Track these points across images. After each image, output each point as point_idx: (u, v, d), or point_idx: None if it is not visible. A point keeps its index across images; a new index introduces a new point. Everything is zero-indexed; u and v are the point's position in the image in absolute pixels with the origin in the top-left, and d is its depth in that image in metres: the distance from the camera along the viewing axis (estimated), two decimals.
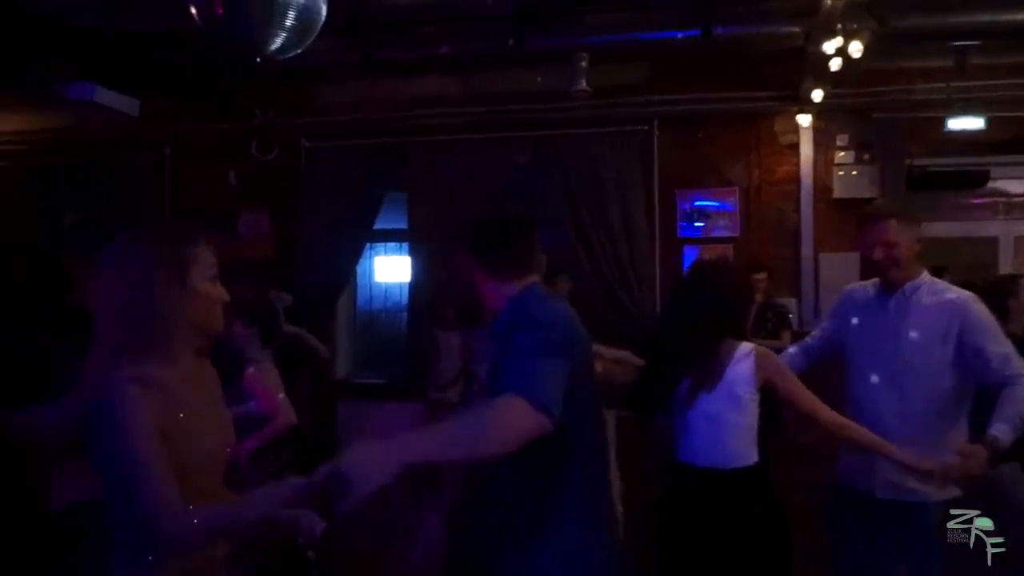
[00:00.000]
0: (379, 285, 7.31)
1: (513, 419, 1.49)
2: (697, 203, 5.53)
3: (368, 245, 6.37)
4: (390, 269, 7.20)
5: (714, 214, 5.51)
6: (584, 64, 4.66)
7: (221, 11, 2.49)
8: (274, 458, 3.10)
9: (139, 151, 6.34)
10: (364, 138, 5.93)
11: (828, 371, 2.80)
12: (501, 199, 5.66)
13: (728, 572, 2.33)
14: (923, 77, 5.00)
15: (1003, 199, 5.70)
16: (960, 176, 5.19)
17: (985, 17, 4.16)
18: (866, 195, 5.12)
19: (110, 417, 1.45)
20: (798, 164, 5.39)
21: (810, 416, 2.34)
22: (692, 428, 2.38)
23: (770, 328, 4.87)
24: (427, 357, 5.12)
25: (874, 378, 2.52)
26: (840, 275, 5.15)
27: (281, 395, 3.15)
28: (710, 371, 2.34)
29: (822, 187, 5.34)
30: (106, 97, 4.77)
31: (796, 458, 3.63)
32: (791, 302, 5.27)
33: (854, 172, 5.25)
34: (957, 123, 4.97)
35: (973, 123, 4.96)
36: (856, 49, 4.00)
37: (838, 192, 5.28)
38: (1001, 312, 2.85)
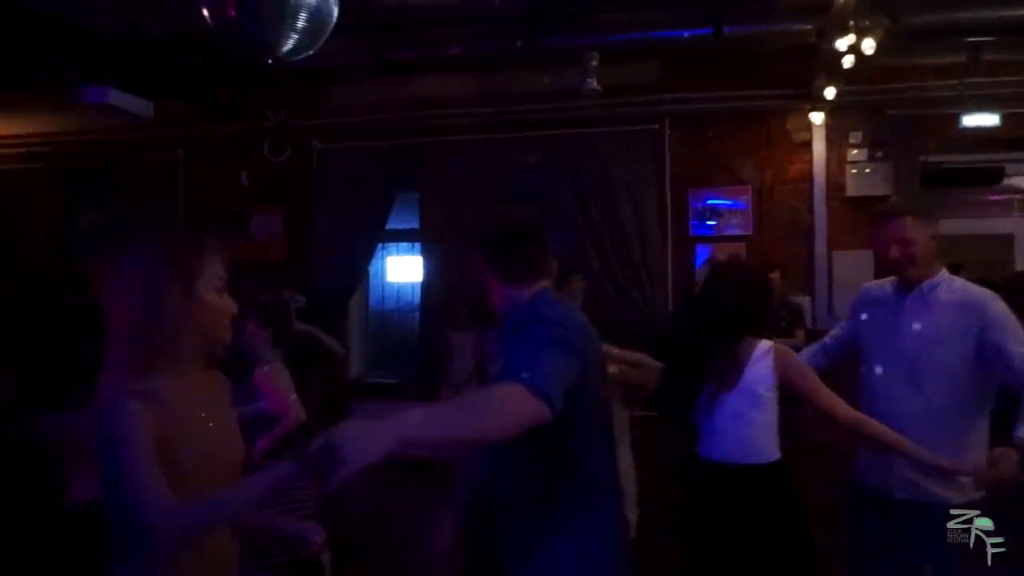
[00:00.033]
0: (391, 285, 7.33)
1: (511, 404, 1.48)
2: (709, 202, 5.52)
3: (380, 245, 6.39)
4: (402, 269, 7.22)
5: (726, 213, 5.49)
6: (595, 64, 4.66)
7: (233, 13, 2.51)
8: (286, 458, 3.11)
9: (153, 153, 6.40)
10: (375, 139, 5.95)
11: (845, 370, 2.79)
12: (512, 199, 5.67)
13: (749, 567, 2.34)
14: (936, 73, 4.96)
15: (1018, 196, 5.66)
16: (975, 173, 5.15)
17: (999, 12, 4.13)
18: (880, 193, 5.08)
19: (108, 429, 1.47)
20: (811, 162, 5.36)
21: (828, 413, 2.34)
22: (714, 425, 2.41)
23: (784, 327, 4.85)
24: (440, 357, 5.14)
25: (891, 377, 2.47)
26: (854, 273, 5.13)
27: (292, 396, 3.16)
28: (730, 370, 2.37)
29: (835, 185, 5.31)
30: (120, 100, 4.81)
31: (815, 455, 3.61)
32: (805, 300, 5.24)
33: (867, 170, 5.22)
34: (972, 120, 4.94)
35: (987, 119, 4.92)
36: (869, 46, 3.98)
37: (851, 190, 5.25)
38: (1020, 309, 2.80)
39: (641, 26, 4.62)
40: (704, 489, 2.47)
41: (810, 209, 5.36)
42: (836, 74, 4.51)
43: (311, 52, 2.73)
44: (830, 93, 4.75)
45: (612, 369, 3.59)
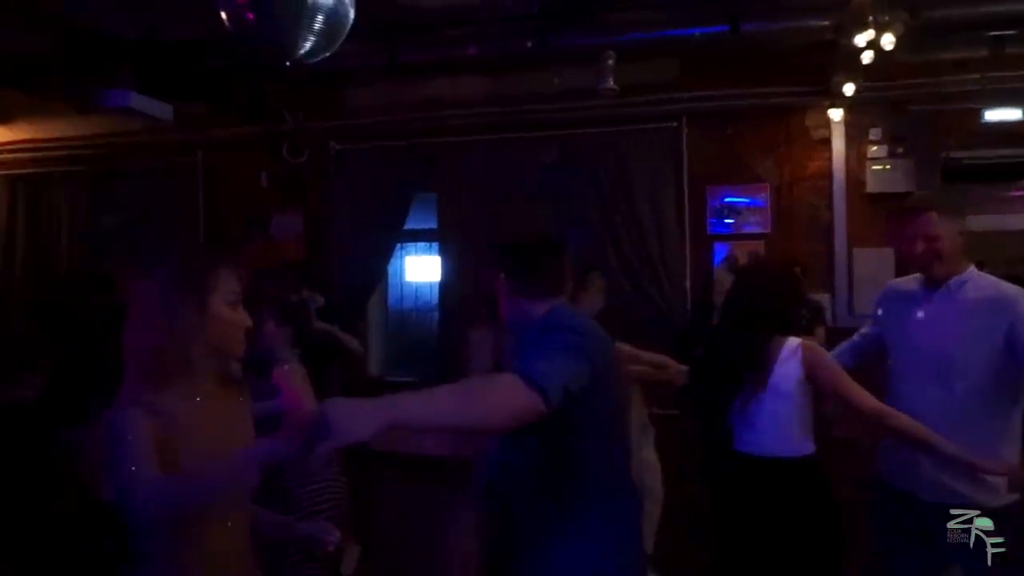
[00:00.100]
0: (410, 284, 7.36)
1: (504, 392, 1.48)
2: (727, 199, 5.49)
3: (398, 245, 6.42)
4: (421, 269, 7.25)
5: (744, 210, 5.46)
6: (611, 62, 4.65)
7: (251, 16, 2.53)
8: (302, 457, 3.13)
9: (173, 155, 6.47)
10: (393, 139, 5.98)
11: (871, 368, 2.76)
12: (530, 198, 5.68)
13: (781, 560, 2.36)
14: (957, 68, 4.89)
15: None
16: (997, 168, 5.08)
17: (1021, 5, 4.07)
18: (900, 189, 5.02)
19: (113, 434, 1.51)
20: (830, 159, 5.31)
21: (853, 405, 2.36)
22: (747, 422, 2.47)
23: (804, 324, 4.80)
24: (459, 355, 5.15)
25: (918, 376, 2.42)
26: (874, 270, 5.09)
27: (309, 394, 3.18)
28: (761, 368, 2.42)
29: (855, 182, 5.26)
30: (141, 103, 4.87)
31: (840, 452, 3.59)
32: (825, 298, 5.20)
33: (887, 166, 5.17)
34: (994, 114, 4.87)
35: (1010, 114, 4.85)
36: (888, 41, 3.94)
37: (871, 187, 5.20)
38: None
39: (657, 24, 4.61)
40: (738, 483, 2.52)
41: (829, 206, 5.31)
42: (855, 70, 4.47)
43: (328, 54, 2.75)
44: (849, 89, 4.71)
45: (635, 368, 3.63)
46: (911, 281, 2.57)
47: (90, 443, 2.82)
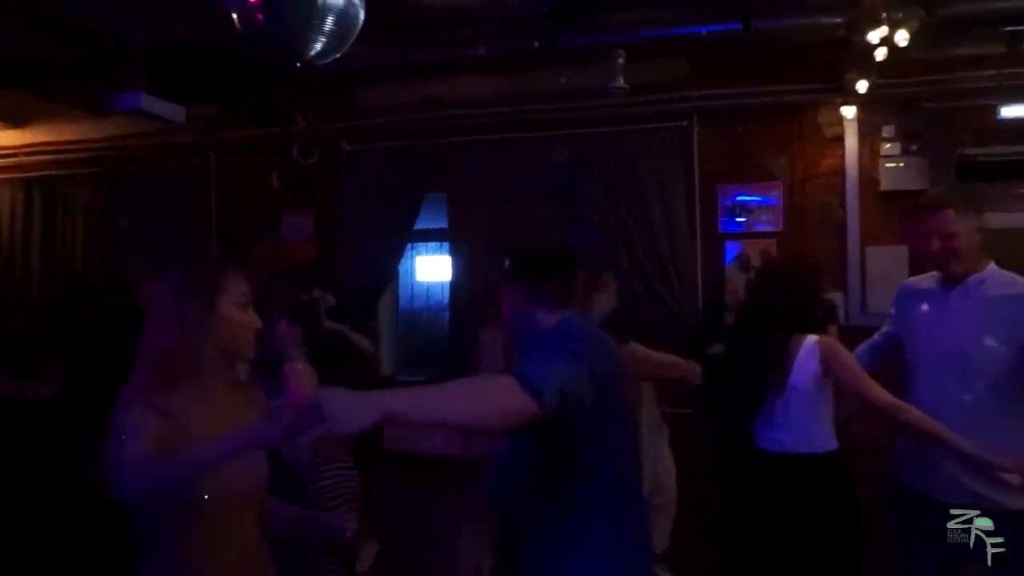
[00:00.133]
0: (421, 284, 7.37)
1: (499, 393, 1.48)
2: (738, 198, 5.46)
3: (409, 245, 6.43)
4: (431, 268, 7.26)
5: (756, 209, 5.43)
6: (621, 61, 4.64)
7: (261, 18, 2.54)
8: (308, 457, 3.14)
9: (185, 157, 6.50)
10: (403, 140, 5.99)
11: (888, 366, 2.73)
12: (540, 198, 5.68)
13: (803, 554, 2.39)
14: (972, 64, 4.84)
15: None
16: (1013, 165, 5.02)
17: None
18: (914, 187, 4.97)
19: (116, 429, 1.52)
20: (843, 156, 5.27)
21: (868, 401, 2.37)
22: (769, 419, 2.51)
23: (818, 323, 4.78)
24: (470, 355, 5.15)
25: (936, 375, 2.38)
26: (887, 269, 5.05)
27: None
28: (781, 366, 2.46)
29: (868, 179, 5.22)
30: (153, 105, 4.90)
31: (858, 451, 3.57)
32: (837, 296, 5.16)
33: (901, 164, 5.12)
34: (1010, 111, 4.82)
35: None
36: (902, 38, 3.90)
37: (885, 184, 5.16)
38: None
39: (667, 23, 4.59)
40: (761, 481, 2.55)
41: (842, 204, 5.27)
42: (868, 67, 4.43)
43: (338, 55, 2.76)
44: (862, 86, 4.67)
45: (649, 367, 3.64)
46: (927, 279, 2.53)
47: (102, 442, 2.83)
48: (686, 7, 4.54)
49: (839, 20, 4.27)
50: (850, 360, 2.48)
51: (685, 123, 5.46)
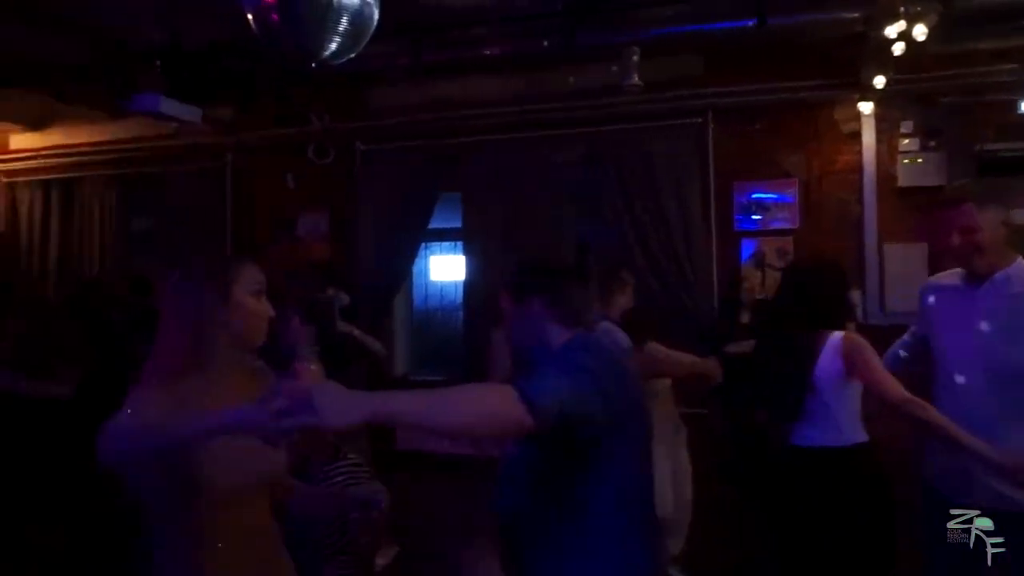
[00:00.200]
0: (435, 284, 7.39)
1: (494, 402, 1.46)
2: (754, 195, 5.42)
3: (423, 245, 6.44)
4: (445, 268, 7.28)
5: (772, 206, 5.39)
6: (636, 58, 4.62)
7: (277, 18, 2.55)
8: (323, 446, 3.15)
9: (202, 158, 6.55)
10: (417, 139, 6.00)
11: (924, 368, 2.71)
12: (555, 196, 5.67)
13: (836, 547, 2.42)
14: (992, 58, 4.77)
15: None
16: None
17: None
18: (933, 183, 4.93)
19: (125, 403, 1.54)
20: (860, 153, 5.22)
21: (882, 395, 2.37)
22: (797, 415, 2.55)
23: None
24: (483, 355, 5.15)
25: (960, 376, 2.32)
26: (906, 266, 5.00)
27: None
28: (810, 363, 2.50)
29: (886, 176, 5.17)
30: (170, 107, 4.93)
31: (882, 449, 3.55)
32: (855, 294, 5.11)
33: (919, 160, 5.07)
34: None
35: None
36: (921, 32, 3.86)
37: (903, 181, 5.10)
38: None
39: (682, 19, 4.57)
40: (794, 476, 2.58)
41: (860, 201, 5.22)
42: (886, 62, 4.38)
43: (353, 55, 2.76)
44: (880, 82, 4.62)
45: (669, 365, 3.66)
46: (952, 276, 2.46)
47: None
48: (701, 3, 4.51)
49: (856, 15, 4.23)
50: (870, 355, 2.46)
51: (700, 120, 5.43)
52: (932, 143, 5.07)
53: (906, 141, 5.13)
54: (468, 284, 6.05)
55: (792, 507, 2.57)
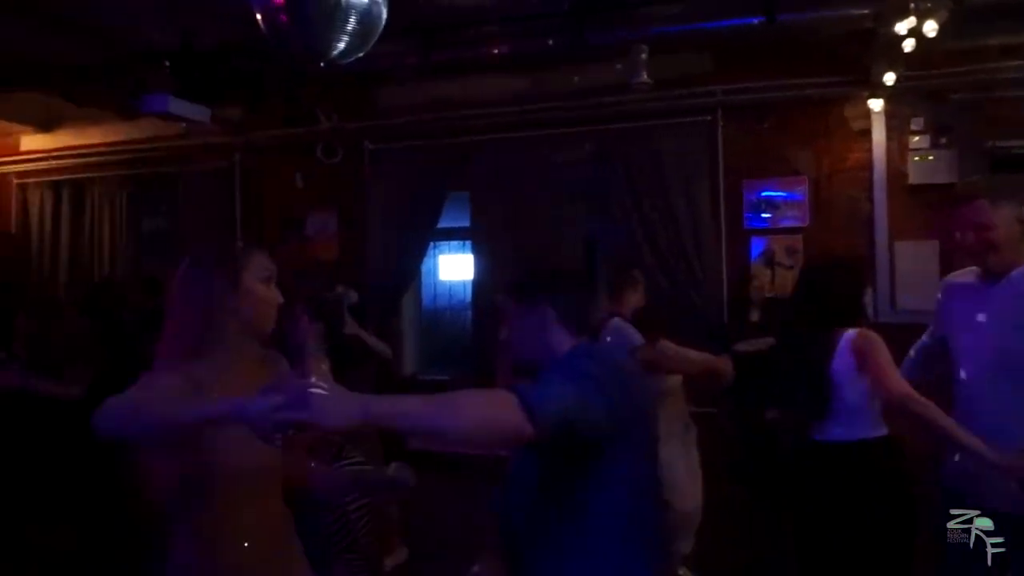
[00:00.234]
0: (443, 283, 7.40)
1: (492, 409, 1.42)
2: (764, 193, 5.40)
3: (432, 244, 6.44)
4: (454, 267, 7.28)
5: (782, 204, 5.37)
6: (644, 56, 4.61)
7: (285, 18, 2.55)
8: (326, 446, 3.16)
9: (211, 158, 6.57)
10: (426, 139, 6.00)
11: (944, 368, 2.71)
12: (563, 195, 5.66)
13: (859, 541, 2.44)
14: (1003, 54, 4.74)
15: None
16: None
17: None
18: (944, 180, 4.89)
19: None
20: (870, 150, 5.19)
21: (884, 389, 2.39)
22: (818, 410, 2.58)
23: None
24: (492, 354, 5.15)
25: (977, 376, 2.27)
26: (917, 264, 4.97)
27: None
28: (828, 360, 2.53)
29: (896, 173, 5.14)
30: (179, 107, 4.95)
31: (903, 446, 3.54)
32: (866, 292, 5.08)
33: (930, 157, 5.04)
34: None
35: None
36: (931, 28, 3.83)
37: (913, 178, 5.07)
38: None
39: (690, 17, 4.55)
40: (818, 471, 2.60)
41: (870, 199, 5.19)
42: (896, 59, 4.36)
43: (361, 54, 2.76)
44: (890, 79, 4.59)
45: (681, 364, 3.65)
46: (968, 275, 2.41)
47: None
48: (709, 1, 4.49)
49: (865, 11, 4.20)
50: (879, 351, 2.46)
51: (709, 118, 5.42)
52: (943, 140, 5.04)
53: (917, 138, 5.10)
54: (477, 283, 6.05)
55: (811, 503, 2.59)
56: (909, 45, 4.00)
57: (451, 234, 6.64)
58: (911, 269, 5.01)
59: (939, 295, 2.54)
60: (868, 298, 5.04)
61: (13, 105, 6.13)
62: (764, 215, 5.41)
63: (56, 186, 7.14)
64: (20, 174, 7.28)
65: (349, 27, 2.60)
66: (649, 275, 5.16)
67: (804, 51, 4.96)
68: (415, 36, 4.71)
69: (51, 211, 7.14)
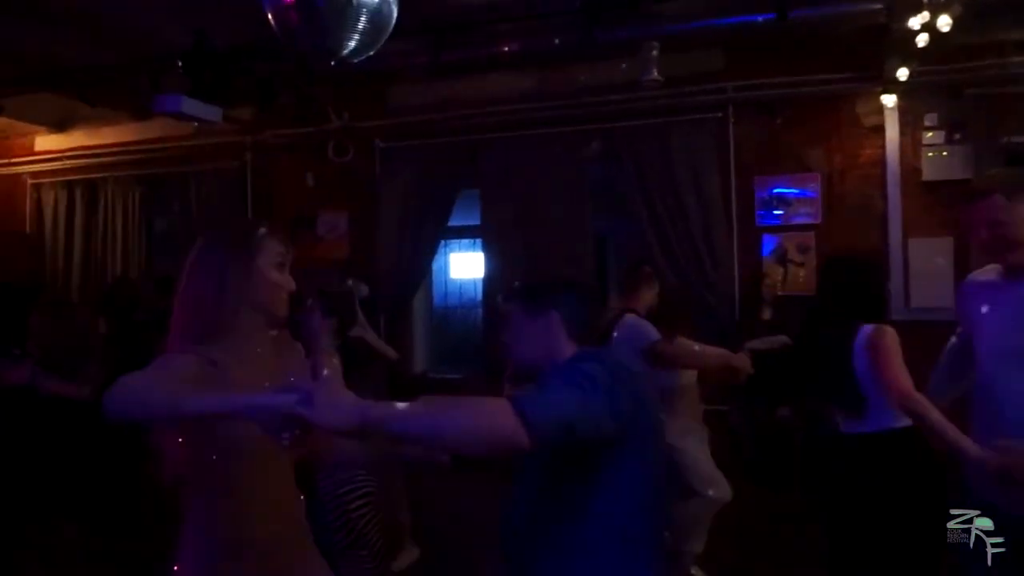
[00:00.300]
0: (454, 281, 7.40)
1: (486, 416, 1.40)
2: (776, 190, 5.38)
3: (443, 242, 6.45)
4: (465, 265, 7.28)
5: (794, 201, 5.34)
6: (655, 54, 4.59)
7: (296, 16, 2.56)
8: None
9: (222, 157, 6.61)
10: (437, 137, 6.01)
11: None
12: (574, 193, 5.66)
13: (883, 533, 2.50)
14: (1018, 48, 4.70)
15: None
16: None
17: None
18: (959, 176, 4.85)
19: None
20: (883, 147, 5.16)
21: (888, 387, 2.44)
22: (842, 403, 2.67)
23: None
24: (503, 353, 5.14)
25: (998, 374, 2.20)
26: (931, 261, 4.93)
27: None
28: (848, 355, 2.59)
29: (910, 169, 5.10)
30: (191, 107, 4.97)
31: None
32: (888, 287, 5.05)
33: (944, 153, 5.00)
34: None
35: None
36: (945, 23, 3.80)
37: (927, 174, 5.03)
38: None
39: (703, 14, 4.53)
40: (846, 462, 2.66)
41: (883, 195, 5.15)
42: (909, 54, 4.32)
43: (372, 53, 2.77)
44: (903, 74, 4.56)
45: (697, 361, 3.68)
46: (990, 272, 2.34)
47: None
48: None
49: (878, 6, 4.17)
50: (887, 347, 2.51)
51: (721, 115, 5.39)
52: (957, 136, 5.00)
53: (930, 134, 5.05)
54: (487, 281, 6.05)
55: (843, 495, 2.65)
56: (923, 40, 3.96)
57: (462, 232, 6.64)
58: (925, 267, 4.97)
59: (961, 294, 2.50)
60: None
61: (27, 106, 6.17)
62: (776, 212, 5.38)
63: (70, 186, 7.19)
64: (34, 174, 7.34)
65: (360, 26, 2.61)
66: (660, 273, 5.15)
67: (816, 47, 4.93)
68: (426, 35, 4.71)
69: (65, 211, 7.19)
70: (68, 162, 7.13)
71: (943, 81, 4.92)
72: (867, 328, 2.59)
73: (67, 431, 3.47)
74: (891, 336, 2.56)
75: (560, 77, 5.54)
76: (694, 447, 3.73)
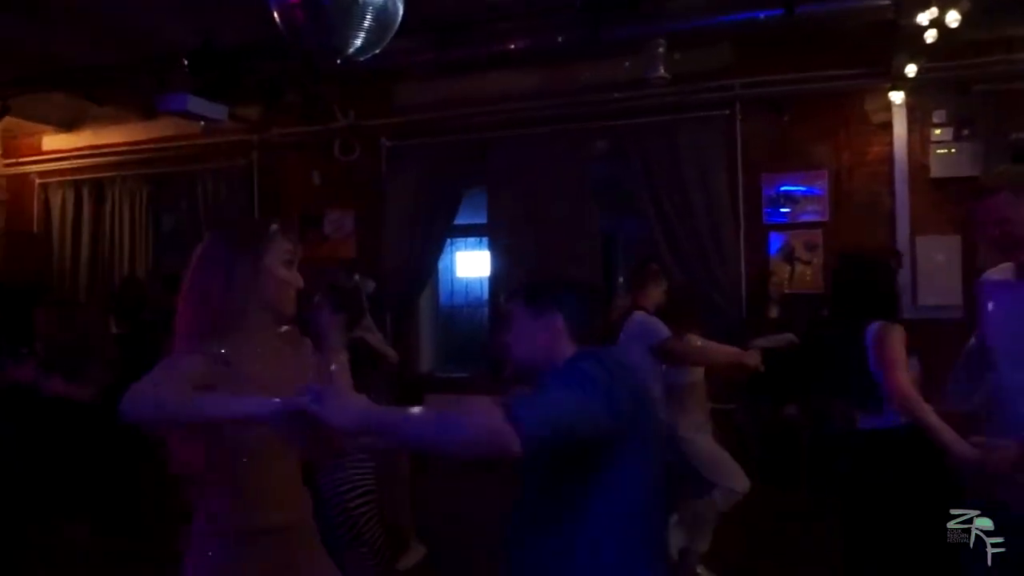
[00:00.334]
0: (460, 280, 7.40)
1: (476, 420, 1.40)
2: (783, 188, 5.36)
3: (449, 241, 6.45)
4: (471, 264, 7.28)
5: (801, 199, 5.32)
6: (661, 51, 4.57)
7: (301, 15, 2.56)
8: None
9: (229, 156, 6.62)
10: (443, 135, 6.00)
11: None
12: (581, 190, 5.65)
13: (898, 529, 2.54)
14: None
15: None
16: None
17: None
18: (967, 173, 4.82)
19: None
20: (891, 144, 5.13)
21: (886, 382, 2.50)
22: (857, 399, 2.72)
23: None
24: (502, 352, 5.14)
25: (1012, 374, 2.18)
26: (939, 259, 4.91)
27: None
28: (860, 352, 2.63)
29: (918, 166, 5.07)
30: (198, 106, 4.98)
31: None
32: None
33: (953, 150, 4.97)
34: None
35: None
36: (953, 19, 3.78)
37: (936, 171, 5.00)
38: None
39: (709, 10, 4.51)
40: (861, 457, 2.71)
41: (891, 193, 5.12)
42: (917, 50, 4.30)
43: (377, 51, 2.76)
44: (911, 70, 4.53)
45: (705, 357, 3.70)
46: (1004, 271, 2.32)
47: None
48: None
49: (886, 2, 4.13)
50: (891, 345, 2.54)
51: (728, 112, 5.37)
52: (965, 132, 4.97)
53: (938, 131, 5.02)
54: (494, 280, 6.04)
55: (860, 490, 2.68)
56: (931, 36, 3.94)
57: (468, 231, 6.64)
58: (933, 265, 4.94)
59: (976, 293, 2.47)
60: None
61: (35, 105, 6.19)
62: (783, 210, 5.36)
63: (77, 185, 7.22)
64: (42, 174, 7.37)
65: (365, 24, 2.61)
66: (666, 271, 5.14)
67: (824, 43, 4.90)
68: (431, 32, 4.71)
69: (72, 210, 7.22)
70: (75, 161, 7.16)
71: (951, 77, 4.89)
72: (875, 325, 2.61)
73: (68, 431, 3.49)
74: (896, 336, 2.58)
75: (566, 75, 5.53)
76: (708, 442, 3.74)
